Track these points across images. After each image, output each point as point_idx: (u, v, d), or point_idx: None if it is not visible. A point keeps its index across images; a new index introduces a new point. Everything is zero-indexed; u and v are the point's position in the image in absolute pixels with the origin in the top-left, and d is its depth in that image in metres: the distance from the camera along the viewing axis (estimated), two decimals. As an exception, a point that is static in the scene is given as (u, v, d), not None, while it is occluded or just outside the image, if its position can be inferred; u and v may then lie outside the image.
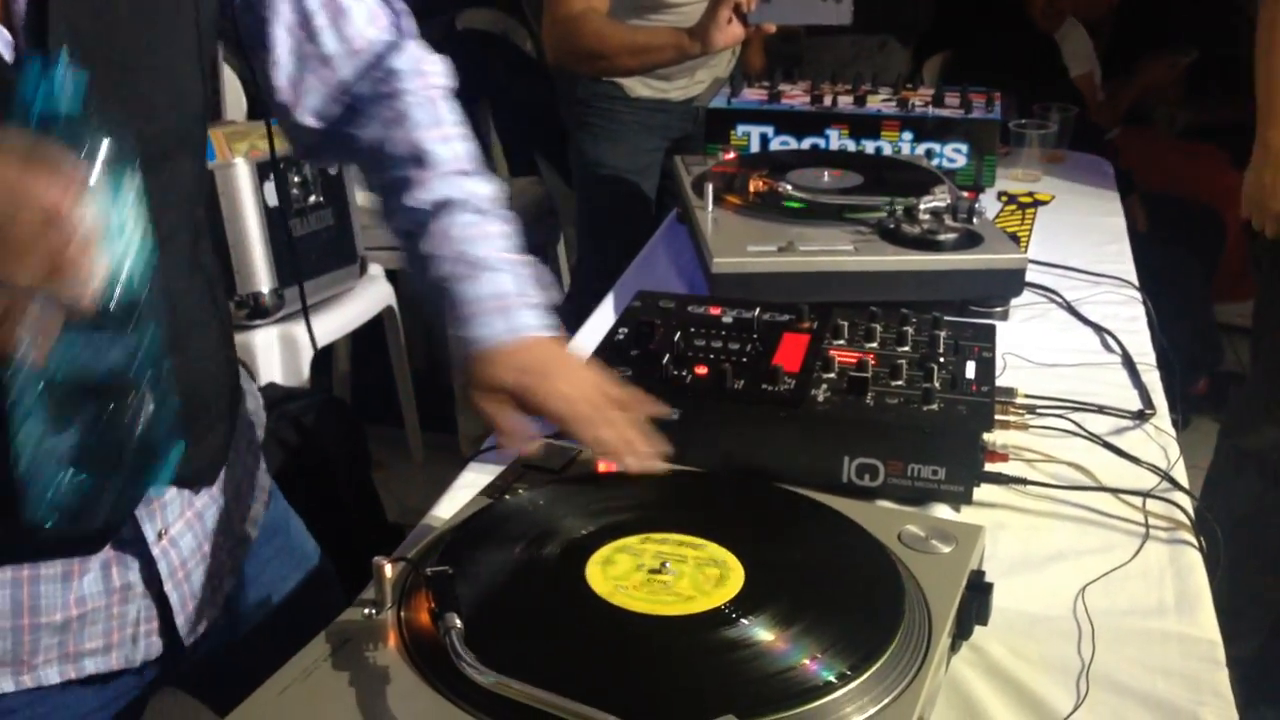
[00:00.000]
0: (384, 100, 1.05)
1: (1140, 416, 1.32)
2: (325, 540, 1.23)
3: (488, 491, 1.01)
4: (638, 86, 2.49)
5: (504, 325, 1.02)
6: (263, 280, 2.21)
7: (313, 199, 2.31)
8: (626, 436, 1.01)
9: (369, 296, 2.63)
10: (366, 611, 0.82)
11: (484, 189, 1.07)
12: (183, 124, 0.91)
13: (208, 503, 1.02)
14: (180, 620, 0.99)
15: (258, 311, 2.23)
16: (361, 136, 1.06)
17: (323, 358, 2.89)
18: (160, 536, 0.96)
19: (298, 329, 2.29)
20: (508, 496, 0.99)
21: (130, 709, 1.04)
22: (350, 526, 2.08)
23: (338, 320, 2.52)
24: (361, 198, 2.85)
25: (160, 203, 0.81)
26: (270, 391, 2.07)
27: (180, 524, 0.98)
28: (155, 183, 0.79)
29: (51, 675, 0.94)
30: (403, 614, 0.83)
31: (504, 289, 1.03)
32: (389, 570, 0.83)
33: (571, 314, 1.64)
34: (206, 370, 0.99)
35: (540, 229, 3.43)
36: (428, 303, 1.06)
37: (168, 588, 0.97)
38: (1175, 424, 1.34)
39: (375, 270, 2.67)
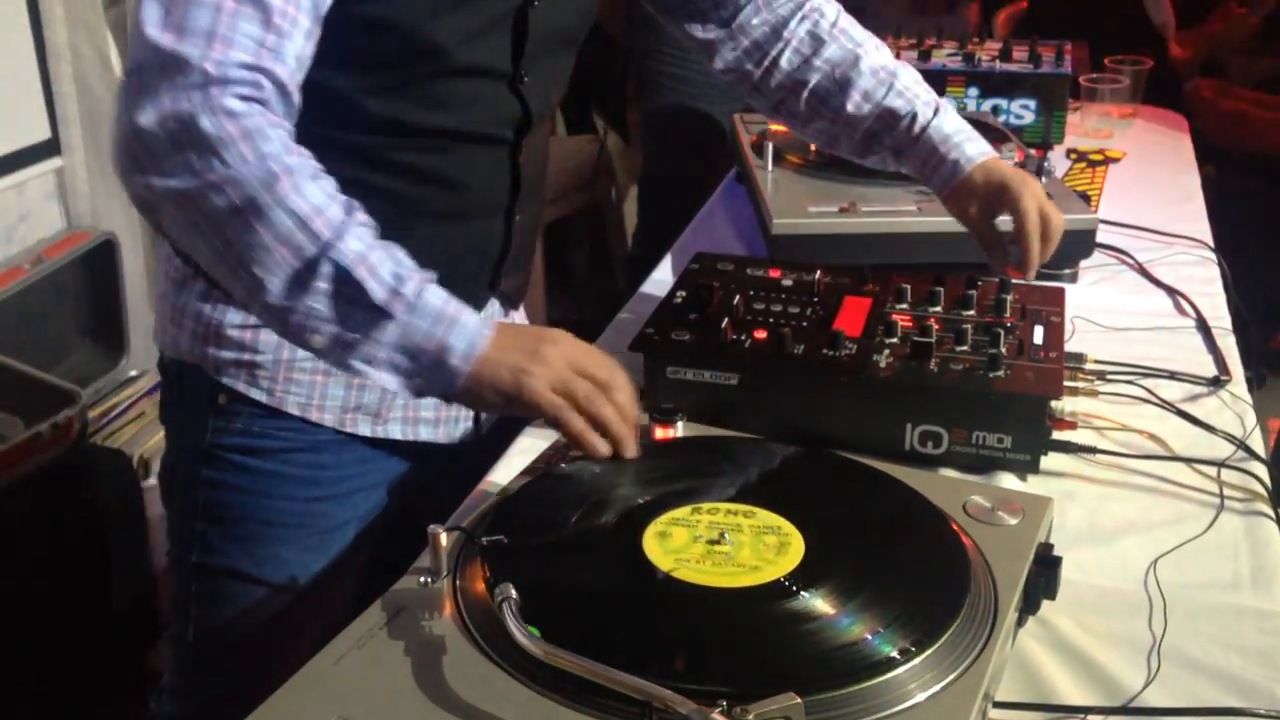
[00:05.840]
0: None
1: (1215, 383, 1.28)
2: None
3: (544, 458, 1.00)
4: None
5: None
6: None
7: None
8: None
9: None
10: (422, 580, 0.82)
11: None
12: None
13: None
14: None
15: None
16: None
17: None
18: None
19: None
20: (563, 464, 0.98)
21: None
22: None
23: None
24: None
25: None
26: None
27: None
28: None
29: (395, 430, 1.14)
30: (458, 583, 0.82)
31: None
32: (444, 539, 0.82)
33: (635, 279, 1.62)
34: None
35: (595, 187, 3.40)
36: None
37: None
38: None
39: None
